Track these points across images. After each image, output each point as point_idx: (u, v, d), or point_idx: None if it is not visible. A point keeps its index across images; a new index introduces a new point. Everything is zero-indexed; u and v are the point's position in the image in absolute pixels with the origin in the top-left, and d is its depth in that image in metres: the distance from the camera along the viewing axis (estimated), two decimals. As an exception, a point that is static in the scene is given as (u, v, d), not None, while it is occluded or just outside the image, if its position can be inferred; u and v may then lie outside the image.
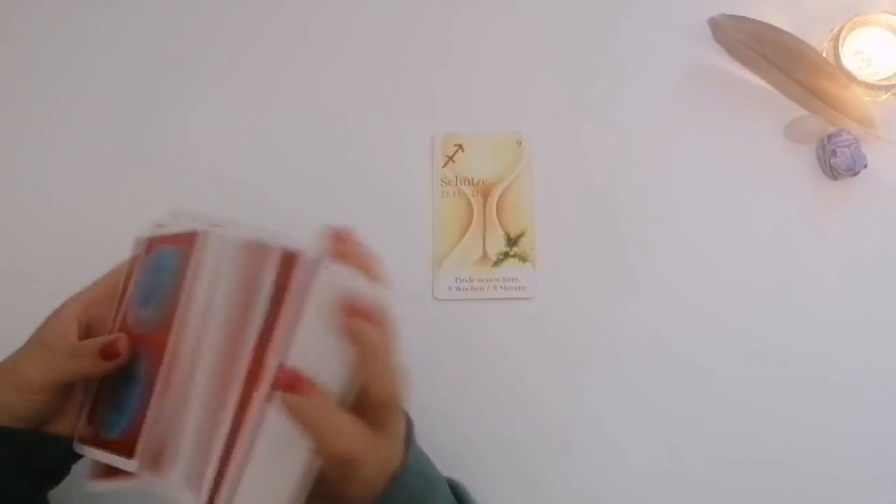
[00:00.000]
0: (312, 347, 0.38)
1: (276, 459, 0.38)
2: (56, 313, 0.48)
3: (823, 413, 0.62)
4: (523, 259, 0.65)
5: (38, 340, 0.47)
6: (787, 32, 0.65)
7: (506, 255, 0.66)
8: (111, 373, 0.46)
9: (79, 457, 0.49)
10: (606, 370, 0.63)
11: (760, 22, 0.65)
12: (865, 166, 0.64)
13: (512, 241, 0.66)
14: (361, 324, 0.38)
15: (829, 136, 0.65)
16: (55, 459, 0.48)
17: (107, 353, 0.44)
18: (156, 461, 0.41)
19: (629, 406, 0.63)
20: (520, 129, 0.67)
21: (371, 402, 0.39)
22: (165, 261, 0.46)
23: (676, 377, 0.63)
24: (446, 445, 0.62)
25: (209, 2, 0.71)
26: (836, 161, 0.64)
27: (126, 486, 0.43)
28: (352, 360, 0.39)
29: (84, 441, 0.47)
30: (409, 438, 0.44)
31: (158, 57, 0.71)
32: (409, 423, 0.46)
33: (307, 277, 0.39)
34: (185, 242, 0.45)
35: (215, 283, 0.41)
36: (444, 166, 0.67)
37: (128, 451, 0.42)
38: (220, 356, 0.40)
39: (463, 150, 0.67)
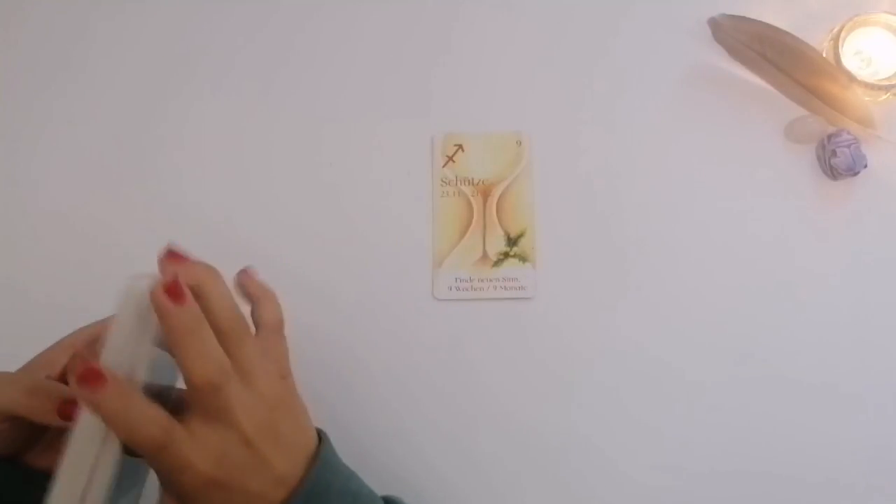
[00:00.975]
0: (121, 340, 0.38)
1: (85, 455, 0.38)
2: (48, 348, 0.47)
3: (824, 413, 0.62)
4: (523, 259, 0.65)
5: (12, 372, 0.46)
6: (787, 32, 0.65)
7: (506, 255, 0.66)
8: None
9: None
10: (606, 370, 0.63)
11: (760, 22, 0.65)
12: (865, 166, 0.63)
13: (512, 241, 0.66)
14: (167, 302, 0.37)
15: (829, 136, 0.65)
16: (34, 495, 0.46)
17: (63, 412, 0.42)
18: None
19: (629, 406, 0.63)
20: (520, 129, 0.67)
21: (189, 388, 0.38)
22: None
23: (676, 377, 0.63)
24: (445, 444, 0.62)
25: (208, 2, 0.71)
26: (836, 161, 0.64)
27: None
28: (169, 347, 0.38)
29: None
30: (315, 456, 0.43)
31: (157, 57, 0.71)
32: (321, 440, 0.45)
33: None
34: None
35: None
36: (444, 166, 0.67)
37: None
38: None
39: (463, 150, 0.67)
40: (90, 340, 0.48)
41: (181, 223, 0.67)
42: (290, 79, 0.70)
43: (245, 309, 0.44)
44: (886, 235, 0.65)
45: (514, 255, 0.66)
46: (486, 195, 0.67)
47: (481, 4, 0.70)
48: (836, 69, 0.65)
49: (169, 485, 0.39)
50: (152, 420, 0.37)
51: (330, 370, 0.63)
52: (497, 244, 0.66)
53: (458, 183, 0.67)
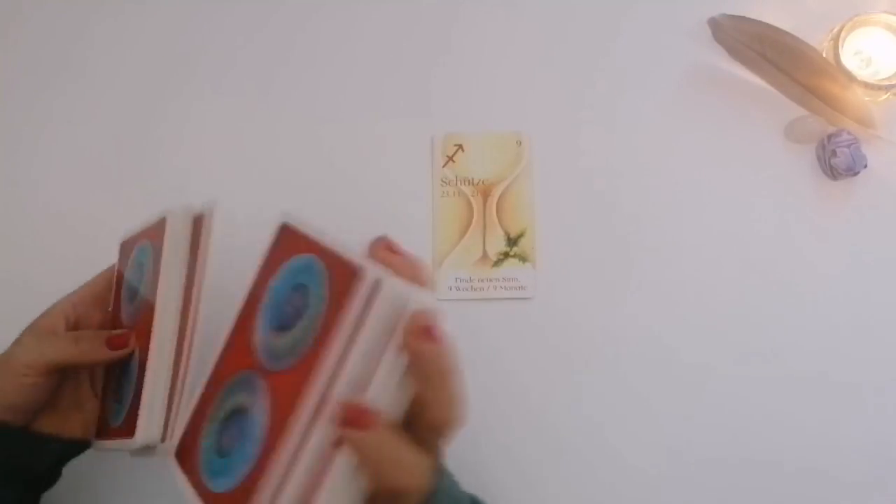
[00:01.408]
0: (370, 371, 0.34)
1: (339, 492, 0.35)
2: (46, 311, 0.51)
3: (824, 413, 0.62)
4: (523, 259, 0.65)
5: (29, 330, 0.49)
6: (787, 32, 0.65)
7: (506, 255, 0.66)
8: (108, 368, 0.49)
9: (67, 460, 0.49)
10: (606, 370, 0.63)
11: (760, 22, 0.65)
12: (865, 166, 0.63)
13: (512, 241, 0.66)
14: (429, 346, 0.34)
15: (829, 136, 0.65)
16: (45, 462, 0.48)
17: (113, 343, 0.48)
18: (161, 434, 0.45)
19: (629, 406, 0.63)
20: (520, 129, 0.67)
21: (426, 426, 0.36)
22: (140, 255, 0.50)
23: (676, 377, 0.63)
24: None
25: (208, 2, 0.71)
26: (836, 161, 0.64)
27: (124, 443, 0.46)
28: (412, 382, 0.36)
29: (98, 437, 0.50)
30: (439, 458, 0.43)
31: (158, 56, 0.71)
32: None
33: (367, 295, 0.34)
34: (154, 234, 0.49)
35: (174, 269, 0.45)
36: (444, 166, 0.67)
37: (128, 432, 0.45)
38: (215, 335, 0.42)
39: (463, 150, 0.67)
40: (86, 301, 0.52)
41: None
42: (291, 79, 0.70)
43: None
44: (886, 235, 0.65)
45: (514, 255, 0.66)
46: (486, 195, 0.67)
47: (481, 4, 0.70)
48: (836, 69, 0.65)
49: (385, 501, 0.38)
50: (419, 468, 0.36)
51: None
52: (497, 244, 0.66)
53: (458, 183, 0.67)
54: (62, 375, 0.48)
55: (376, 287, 0.34)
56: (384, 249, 0.38)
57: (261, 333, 0.40)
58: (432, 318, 0.34)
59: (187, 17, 0.71)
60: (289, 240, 0.41)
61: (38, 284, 0.59)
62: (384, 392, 0.35)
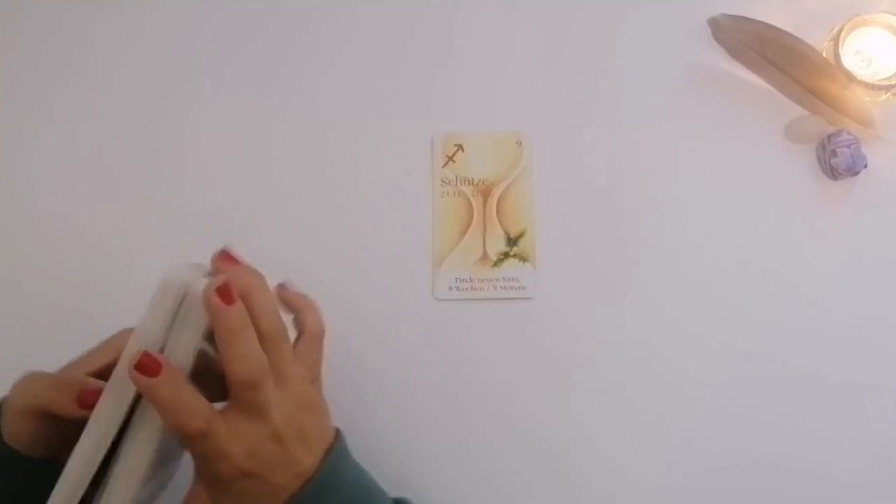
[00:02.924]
0: (156, 326, 0.42)
1: (133, 438, 0.42)
2: (95, 346, 0.49)
3: (824, 414, 0.62)
4: (523, 259, 0.65)
5: (33, 372, 0.47)
6: (787, 32, 0.65)
7: (506, 255, 0.66)
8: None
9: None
10: (607, 370, 0.63)
11: (761, 22, 0.65)
12: (865, 166, 0.63)
13: (512, 241, 0.66)
14: (218, 302, 0.40)
15: (829, 136, 0.65)
16: None
17: (83, 399, 0.44)
18: None
19: (630, 406, 0.63)
20: (520, 128, 0.67)
21: (230, 383, 0.41)
22: None
23: (677, 377, 0.63)
24: (446, 444, 0.62)
25: (209, 2, 0.71)
26: (836, 161, 0.64)
27: None
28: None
29: None
30: (330, 450, 0.45)
31: (158, 58, 0.71)
32: (337, 436, 0.47)
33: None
34: None
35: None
36: (444, 166, 0.67)
37: None
38: None
39: (463, 150, 0.67)
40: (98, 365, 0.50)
41: (182, 224, 0.67)
42: (291, 79, 0.70)
43: (286, 319, 0.47)
44: (886, 235, 0.65)
45: (514, 255, 0.66)
46: (486, 195, 0.67)
47: (482, 5, 0.70)
48: (836, 69, 0.65)
49: (204, 471, 0.43)
50: (198, 410, 0.41)
51: (330, 369, 0.63)
52: (497, 244, 0.66)
53: (458, 183, 0.67)
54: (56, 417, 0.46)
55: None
56: (218, 258, 0.44)
57: None
58: (226, 281, 0.41)
59: (188, 18, 0.71)
60: None
61: (38, 285, 0.60)
62: (176, 346, 0.42)
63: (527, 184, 0.66)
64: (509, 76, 0.69)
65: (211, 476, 0.43)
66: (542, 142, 0.67)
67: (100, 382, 0.45)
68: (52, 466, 0.45)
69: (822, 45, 0.67)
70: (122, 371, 0.41)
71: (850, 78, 0.64)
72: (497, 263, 0.66)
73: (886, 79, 0.65)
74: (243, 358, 0.41)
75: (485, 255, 0.66)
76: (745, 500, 0.61)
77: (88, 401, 0.44)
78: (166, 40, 0.71)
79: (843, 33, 0.65)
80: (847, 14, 0.66)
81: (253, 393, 0.41)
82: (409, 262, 0.65)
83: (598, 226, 0.66)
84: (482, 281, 0.65)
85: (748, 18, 0.65)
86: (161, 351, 0.42)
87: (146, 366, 0.40)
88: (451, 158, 0.67)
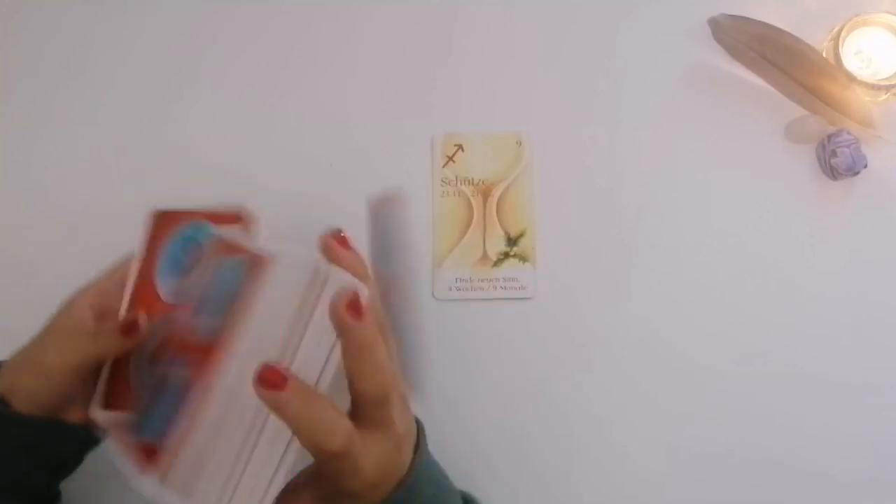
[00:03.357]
0: (303, 345, 0.39)
1: (267, 454, 0.39)
2: (69, 302, 0.49)
3: (824, 412, 0.62)
4: (523, 259, 0.65)
5: (55, 328, 0.48)
6: (787, 32, 0.65)
7: (506, 255, 0.66)
8: (133, 355, 0.47)
9: (92, 447, 0.50)
10: (607, 370, 0.63)
11: (760, 22, 0.65)
12: (865, 166, 0.63)
13: (512, 241, 0.66)
14: (349, 319, 0.37)
15: (829, 136, 0.65)
16: (72, 449, 0.49)
17: (127, 329, 0.45)
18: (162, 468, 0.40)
19: (630, 406, 0.63)
20: (520, 129, 0.67)
21: (360, 400, 0.39)
22: (228, 272, 0.43)
23: (677, 377, 0.63)
24: (447, 446, 0.62)
25: (209, 2, 0.71)
26: (836, 161, 0.64)
27: (124, 418, 0.44)
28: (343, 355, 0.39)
29: (106, 426, 0.47)
30: (418, 445, 0.44)
31: (159, 57, 0.71)
32: (419, 430, 0.46)
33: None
34: (255, 262, 0.42)
35: (272, 312, 0.40)
36: (444, 166, 0.67)
37: (149, 459, 0.41)
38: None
39: (463, 150, 0.67)
40: (112, 290, 0.50)
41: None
42: (291, 79, 0.70)
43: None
44: (886, 235, 0.65)
45: (514, 255, 0.66)
46: (486, 195, 0.67)
47: (482, 5, 0.70)
48: (836, 69, 0.65)
49: (329, 485, 0.41)
50: (338, 427, 0.38)
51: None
52: (497, 244, 0.66)
53: (458, 183, 0.67)
54: (91, 370, 0.48)
55: (272, 259, 0.39)
56: (332, 239, 0.43)
57: (168, 287, 0.48)
58: (355, 293, 0.38)
59: (189, 18, 0.71)
60: (161, 222, 0.50)
61: (38, 285, 0.60)
62: (308, 361, 0.39)
63: (527, 184, 0.66)
64: (509, 76, 0.69)
65: (341, 490, 0.40)
66: (542, 142, 0.67)
67: (135, 313, 0.46)
68: (45, 424, 0.47)
69: (822, 45, 0.67)
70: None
71: (850, 78, 0.64)
72: (497, 263, 0.66)
73: (886, 79, 0.65)
74: (376, 373, 0.38)
75: (485, 255, 0.66)
76: (748, 495, 0.61)
77: (134, 328, 0.45)
78: (167, 40, 0.71)
79: (843, 33, 0.65)
80: (847, 14, 0.66)
81: (385, 408, 0.40)
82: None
83: (599, 226, 0.66)
84: (482, 281, 0.65)
85: (748, 18, 0.66)
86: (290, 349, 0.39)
87: (267, 380, 0.37)
88: (451, 158, 0.67)
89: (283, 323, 0.40)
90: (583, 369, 0.63)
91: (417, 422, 0.46)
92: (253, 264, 0.41)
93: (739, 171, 0.66)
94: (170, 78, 0.70)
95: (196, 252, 0.47)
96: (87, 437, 0.49)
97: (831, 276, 0.64)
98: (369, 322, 0.38)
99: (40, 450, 0.47)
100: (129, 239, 0.66)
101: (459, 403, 0.63)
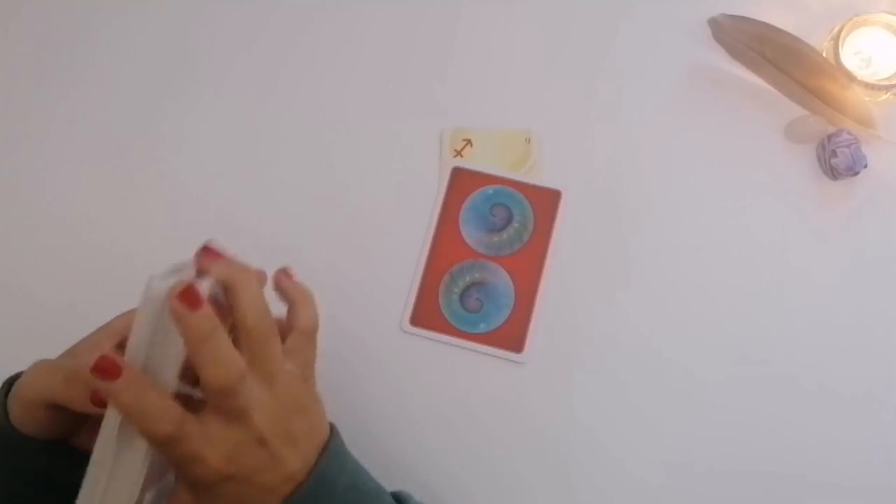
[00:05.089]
0: (141, 336, 0.40)
1: (108, 443, 0.40)
2: (82, 340, 0.48)
3: (822, 415, 0.62)
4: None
5: (44, 361, 0.46)
6: (787, 32, 0.65)
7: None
8: None
9: None
10: (607, 370, 0.63)
11: (760, 22, 0.66)
12: (865, 166, 0.64)
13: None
14: (181, 308, 0.38)
15: (829, 136, 0.65)
16: (77, 474, 0.47)
17: (96, 399, 0.42)
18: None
19: (630, 406, 0.62)
20: (528, 126, 0.67)
21: (204, 388, 0.39)
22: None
23: (677, 375, 0.63)
24: (444, 447, 0.62)
25: (210, 1, 0.71)
26: (836, 161, 0.64)
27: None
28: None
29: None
30: (324, 450, 0.44)
31: (162, 54, 0.70)
32: (331, 435, 0.46)
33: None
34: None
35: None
36: (452, 160, 0.67)
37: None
38: None
39: (471, 146, 0.67)
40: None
41: (183, 223, 0.66)
42: (298, 73, 0.69)
43: (280, 309, 0.46)
44: (886, 235, 0.65)
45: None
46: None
47: (487, 3, 0.71)
48: (836, 69, 0.65)
49: (182, 474, 0.41)
50: (164, 413, 0.38)
51: (332, 364, 0.63)
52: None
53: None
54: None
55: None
56: (198, 256, 0.42)
57: (473, 237, 0.65)
58: (189, 284, 0.38)
59: (192, 14, 0.71)
60: (462, 179, 0.66)
61: (39, 286, 0.59)
62: (139, 349, 0.40)
63: (536, 181, 0.67)
64: (516, 74, 0.69)
65: (189, 479, 0.41)
66: (551, 140, 0.67)
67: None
68: (55, 448, 0.45)
69: (822, 45, 0.67)
70: None
71: (850, 78, 0.64)
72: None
73: (886, 79, 0.65)
74: (214, 364, 0.39)
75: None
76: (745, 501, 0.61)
77: (103, 400, 0.41)
78: (171, 37, 0.71)
79: (843, 33, 0.65)
80: (847, 14, 0.66)
81: (229, 398, 0.40)
82: (420, 257, 0.65)
83: (599, 225, 0.66)
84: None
85: (748, 18, 0.66)
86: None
87: (103, 369, 0.38)
88: (459, 153, 0.67)
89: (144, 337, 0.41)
90: (583, 369, 0.63)
91: (332, 427, 0.46)
92: (543, 200, 0.60)
93: (739, 171, 0.66)
94: (174, 75, 0.70)
95: (501, 211, 0.65)
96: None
97: (831, 276, 0.64)
98: (202, 313, 0.38)
99: (49, 473, 0.46)
100: (130, 239, 0.66)
101: (459, 402, 0.63)
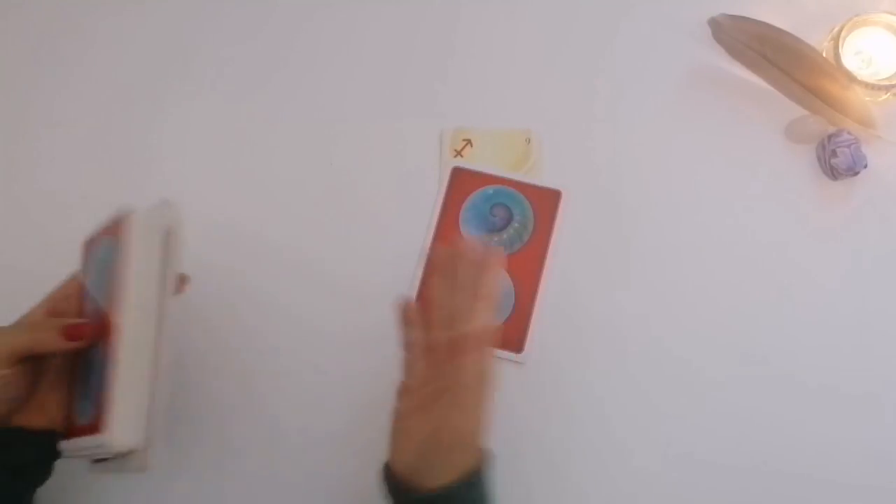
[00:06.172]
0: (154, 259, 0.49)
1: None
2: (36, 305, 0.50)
3: (822, 413, 0.62)
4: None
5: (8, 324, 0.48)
6: (787, 32, 0.65)
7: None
8: (75, 364, 0.49)
9: (55, 456, 0.49)
10: (607, 370, 0.63)
11: (761, 22, 0.66)
12: (865, 166, 0.64)
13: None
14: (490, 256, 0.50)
15: (829, 136, 0.65)
16: (30, 454, 0.47)
17: (71, 333, 0.46)
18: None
19: (630, 406, 0.62)
20: (528, 126, 0.67)
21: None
22: (103, 252, 0.51)
23: (677, 377, 0.63)
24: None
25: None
26: (836, 161, 0.64)
27: (84, 441, 0.46)
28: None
29: (66, 436, 0.49)
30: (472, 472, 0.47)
31: (160, 53, 0.70)
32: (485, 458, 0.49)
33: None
34: (114, 231, 0.50)
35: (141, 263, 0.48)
36: (452, 160, 0.67)
37: (95, 429, 0.46)
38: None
39: (471, 146, 0.67)
40: (65, 298, 0.51)
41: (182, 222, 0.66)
42: (298, 73, 0.69)
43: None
44: (886, 235, 0.65)
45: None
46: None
47: (488, 2, 0.71)
48: (837, 69, 0.65)
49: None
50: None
51: (333, 364, 0.63)
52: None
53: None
54: (35, 369, 0.47)
55: None
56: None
57: (474, 237, 0.65)
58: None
59: (190, 11, 0.71)
60: (462, 179, 0.66)
61: (38, 286, 0.59)
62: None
63: (536, 181, 0.67)
64: (516, 75, 0.69)
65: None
66: (550, 140, 0.67)
67: (82, 320, 0.48)
68: (11, 430, 0.46)
69: (822, 45, 0.67)
70: None
71: (851, 78, 0.64)
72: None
73: (886, 79, 0.65)
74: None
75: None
76: (748, 497, 0.61)
77: (77, 333, 0.46)
78: (170, 35, 0.71)
79: (843, 33, 0.65)
80: (847, 14, 0.66)
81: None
82: (418, 254, 0.65)
83: (599, 225, 0.66)
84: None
85: (748, 18, 0.66)
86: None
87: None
88: (459, 153, 0.67)
89: (153, 271, 0.48)
90: (583, 369, 0.63)
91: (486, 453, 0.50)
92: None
93: (739, 170, 0.66)
94: (172, 72, 0.70)
95: (502, 211, 0.65)
96: (47, 444, 0.48)
97: (831, 275, 0.64)
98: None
99: None
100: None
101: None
